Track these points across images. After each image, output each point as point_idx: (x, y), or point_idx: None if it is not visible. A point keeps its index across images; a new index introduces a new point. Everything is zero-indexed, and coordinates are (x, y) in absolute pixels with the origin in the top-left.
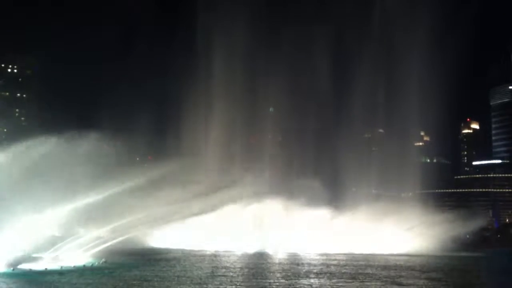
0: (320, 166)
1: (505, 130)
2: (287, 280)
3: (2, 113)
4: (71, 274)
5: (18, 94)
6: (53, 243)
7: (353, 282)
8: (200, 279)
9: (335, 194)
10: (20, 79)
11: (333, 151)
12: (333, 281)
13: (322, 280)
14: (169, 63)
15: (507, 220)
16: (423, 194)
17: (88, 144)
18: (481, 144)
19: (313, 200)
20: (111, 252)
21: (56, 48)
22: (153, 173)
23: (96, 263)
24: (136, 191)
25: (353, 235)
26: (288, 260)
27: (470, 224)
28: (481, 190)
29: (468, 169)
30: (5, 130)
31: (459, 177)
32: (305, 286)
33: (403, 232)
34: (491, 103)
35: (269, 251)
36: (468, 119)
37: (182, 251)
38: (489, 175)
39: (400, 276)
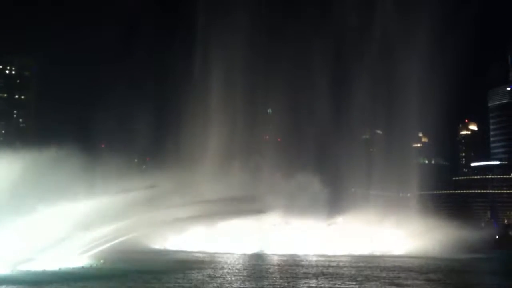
0: (318, 167)
1: (503, 131)
2: (287, 282)
3: (0, 115)
4: (69, 276)
5: (17, 95)
6: (52, 244)
7: (352, 283)
8: None
9: (334, 194)
10: (18, 80)
11: (331, 152)
12: (332, 282)
13: (321, 282)
14: (168, 65)
15: (506, 221)
16: (422, 195)
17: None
18: (479, 146)
19: (312, 201)
20: (110, 253)
21: (54, 49)
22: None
23: (95, 265)
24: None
25: (352, 236)
26: (286, 261)
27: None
28: (479, 191)
29: (466, 170)
30: (3, 131)
31: (457, 178)
32: None
33: (401, 233)
34: (489, 104)
35: (268, 252)
36: (467, 120)
37: (182, 252)
38: (487, 176)
39: (399, 277)
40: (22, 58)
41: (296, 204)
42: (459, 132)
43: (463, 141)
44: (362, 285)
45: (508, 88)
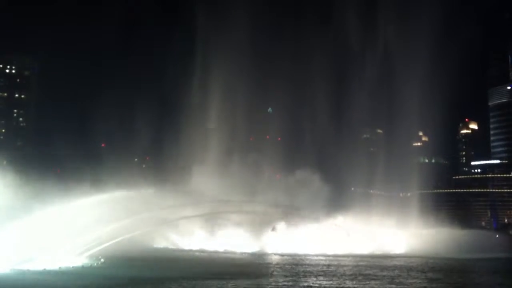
0: (319, 166)
1: (503, 130)
2: (287, 281)
3: (0, 114)
4: (69, 275)
5: (17, 95)
6: (52, 243)
7: (353, 282)
8: None
9: (334, 193)
10: (18, 80)
11: (332, 151)
12: (332, 282)
13: (321, 281)
14: (168, 64)
15: (506, 221)
16: (422, 194)
17: None
18: (479, 144)
19: (312, 199)
20: (111, 253)
21: (55, 48)
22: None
23: (95, 264)
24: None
25: (352, 235)
26: (287, 260)
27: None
28: (479, 190)
29: (466, 169)
30: (3, 130)
31: (457, 177)
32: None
33: (402, 232)
34: (489, 104)
35: (268, 251)
36: (467, 120)
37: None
38: (487, 175)
39: (399, 276)
40: (22, 57)
41: (296, 203)
42: (460, 131)
43: (463, 140)
44: (363, 284)
45: (509, 87)
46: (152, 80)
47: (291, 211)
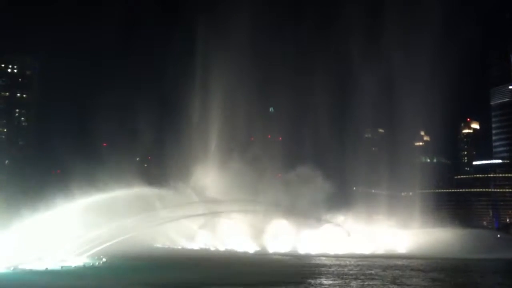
0: (320, 165)
1: (505, 130)
2: (287, 281)
3: (2, 114)
4: (71, 274)
5: (18, 94)
6: (53, 243)
7: (355, 282)
8: None
9: (335, 193)
10: (20, 79)
11: (333, 151)
12: (334, 281)
13: (323, 281)
14: (169, 64)
15: (508, 220)
16: (423, 194)
17: None
18: (481, 144)
19: (314, 195)
20: (112, 252)
21: (56, 48)
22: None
23: (96, 263)
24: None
25: (354, 235)
26: (289, 260)
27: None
28: (481, 190)
29: (468, 169)
30: (5, 130)
31: (459, 177)
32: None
33: (404, 232)
34: (491, 103)
35: (270, 251)
36: (469, 119)
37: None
38: (489, 175)
39: (402, 276)
40: (24, 57)
41: (297, 202)
42: (461, 130)
43: (465, 139)
44: (365, 284)
45: (510, 87)
46: (153, 79)
47: (292, 211)
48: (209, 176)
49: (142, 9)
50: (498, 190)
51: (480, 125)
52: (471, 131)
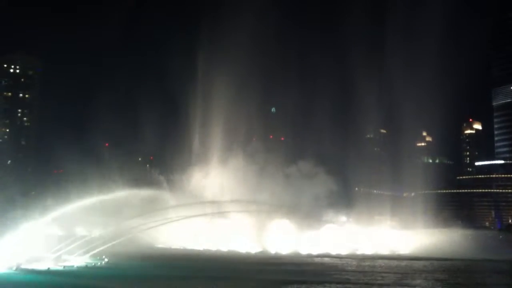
0: (322, 165)
1: (507, 130)
2: (287, 282)
3: (4, 114)
4: (73, 274)
5: (21, 94)
6: (55, 243)
7: (358, 281)
8: None
9: (337, 192)
10: (22, 79)
11: (335, 151)
12: (335, 281)
13: (325, 281)
14: (171, 63)
15: (510, 221)
16: (426, 194)
17: None
18: (483, 145)
19: (317, 198)
20: (114, 252)
21: (58, 48)
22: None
23: (99, 263)
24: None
25: (355, 235)
26: (290, 260)
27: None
28: (483, 190)
29: (470, 169)
30: (8, 130)
31: (461, 177)
32: None
33: (406, 232)
34: (493, 104)
35: (272, 251)
36: (471, 120)
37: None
38: (491, 176)
39: (406, 277)
40: (26, 57)
41: (300, 202)
42: (463, 131)
43: (467, 140)
44: (367, 284)
45: None
46: (155, 79)
47: (294, 211)
48: (210, 176)
49: (144, 7)
50: (500, 190)
51: (482, 126)
52: (473, 131)
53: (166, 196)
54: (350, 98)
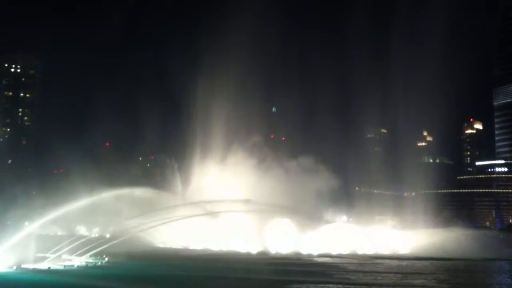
0: (323, 165)
1: (508, 130)
2: (288, 282)
3: (5, 113)
4: (73, 274)
5: (22, 94)
6: (56, 242)
7: (359, 281)
8: None
9: (338, 191)
10: (23, 79)
11: (336, 150)
12: (336, 280)
13: (326, 281)
14: (171, 63)
15: (511, 221)
16: (426, 194)
17: None
18: (484, 144)
19: (317, 197)
20: (114, 252)
21: (59, 47)
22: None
23: (99, 263)
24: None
25: (356, 235)
26: (291, 260)
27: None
28: (484, 190)
29: (471, 169)
30: (8, 129)
31: (462, 177)
32: None
33: (406, 232)
34: (494, 103)
35: (272, 251)
36: (471, 119)
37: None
38: (492, 176)
39: (406, 277)
40: (27, 56)
41: (300, 201)
42: (464, 131)
43: (467, 140)
44: (369, 284)
45: None
46: (155, 79)
47: (294, 211)
48: (210, 175)
49: (144, 7)
50: (501, 190)
51: (483, 125)
52: (474, 131)
53: (166, 195)
54: (351, 98)
